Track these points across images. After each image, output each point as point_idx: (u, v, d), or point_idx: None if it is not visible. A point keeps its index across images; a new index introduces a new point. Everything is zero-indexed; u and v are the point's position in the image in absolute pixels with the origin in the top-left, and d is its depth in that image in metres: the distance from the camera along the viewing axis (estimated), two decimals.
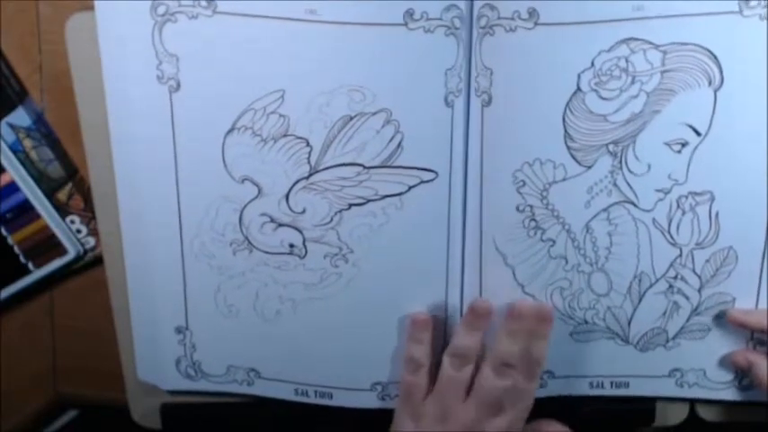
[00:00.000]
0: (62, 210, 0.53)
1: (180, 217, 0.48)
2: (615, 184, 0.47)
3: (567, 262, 0.48)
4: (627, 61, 0.44)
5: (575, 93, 0.44)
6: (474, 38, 0.44)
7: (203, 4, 0.44)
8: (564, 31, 0.43)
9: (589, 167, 0.46)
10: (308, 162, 0.46)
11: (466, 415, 0.47)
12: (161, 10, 0.44)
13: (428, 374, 0.49)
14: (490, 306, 0.48)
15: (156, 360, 0.52)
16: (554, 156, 0.46)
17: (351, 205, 0.47)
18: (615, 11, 0.43)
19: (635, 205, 0.47)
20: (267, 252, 0.48)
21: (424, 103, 0.45)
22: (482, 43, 0.44)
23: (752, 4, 0.43)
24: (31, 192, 0.52)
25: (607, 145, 0.46)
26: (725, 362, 0.51)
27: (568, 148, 0.46)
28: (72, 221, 0.54)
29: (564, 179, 0.46)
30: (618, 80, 0.44)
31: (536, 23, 0.43)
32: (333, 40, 0.44)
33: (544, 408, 0.50)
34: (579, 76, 0.44)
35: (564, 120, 0.45)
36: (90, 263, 0.54)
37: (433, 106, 0.45)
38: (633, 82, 0.44)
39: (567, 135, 0.45)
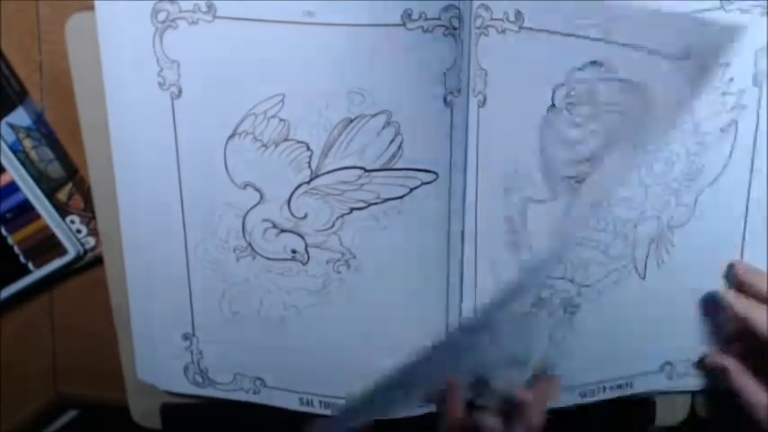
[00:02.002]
0: (62, 210, 0.53)
1: (184, 223, 0.48)
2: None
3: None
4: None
5: (550, 108, 0.44)
6: (471, 38, 0.44)
7: (203, 9, 0.44)
8: (544, 39, 0.43)
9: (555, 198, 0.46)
10: (309, 166, 0.46)
11: None
12: (161, 16, 0.44)
13: None
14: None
15: (156, 361, 0.52)
16: (530, 170, 0.46)
17: (352, 209, 0.47)
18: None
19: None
20: (270, 258, 0.48)
21: (423, 104, 0.45)
22: (478, 44, 0.44)
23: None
24: (31, 192, 0.52)
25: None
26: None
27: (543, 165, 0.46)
28: (72, 221, 0.54)
29: (540, 200, 0.46)
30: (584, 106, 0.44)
31: (521, 27, 0.43)
32: (331, 41, 0.44)
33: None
34: (554, 91, 0.44)
35: (541, 133, 0.45)
36: (90, 263, 0.54)
37: (432, 106, 0.45)
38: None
39: (542, 150, 0.45)
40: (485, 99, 0.44)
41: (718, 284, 0.50)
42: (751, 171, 0.48)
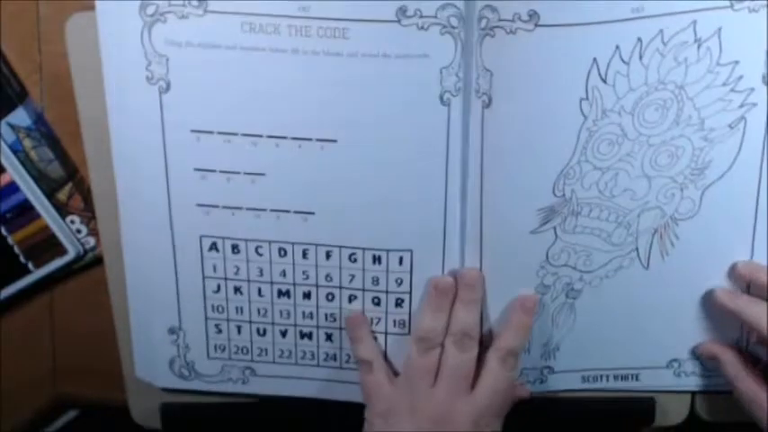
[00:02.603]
0: (62, 210, 0.53)
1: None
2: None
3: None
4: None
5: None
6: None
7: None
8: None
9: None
10: None
11: (435, 399, 0.46)
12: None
13: (383, 368, 0.48)
14: (453, 282, 0.47)
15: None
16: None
17: None
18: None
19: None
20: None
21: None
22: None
23: None
24: (31, 192, 0.52)
25: None
26: None
27: None
28: (72, 221, 0.54)
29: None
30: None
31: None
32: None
33: (544, 407, 0.51)
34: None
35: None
36: (90, 263, 0.55)
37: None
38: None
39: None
40: (490, 100, 0.44)
41: (724, 280, 0.49)
42: (761, 168, 0.47)
